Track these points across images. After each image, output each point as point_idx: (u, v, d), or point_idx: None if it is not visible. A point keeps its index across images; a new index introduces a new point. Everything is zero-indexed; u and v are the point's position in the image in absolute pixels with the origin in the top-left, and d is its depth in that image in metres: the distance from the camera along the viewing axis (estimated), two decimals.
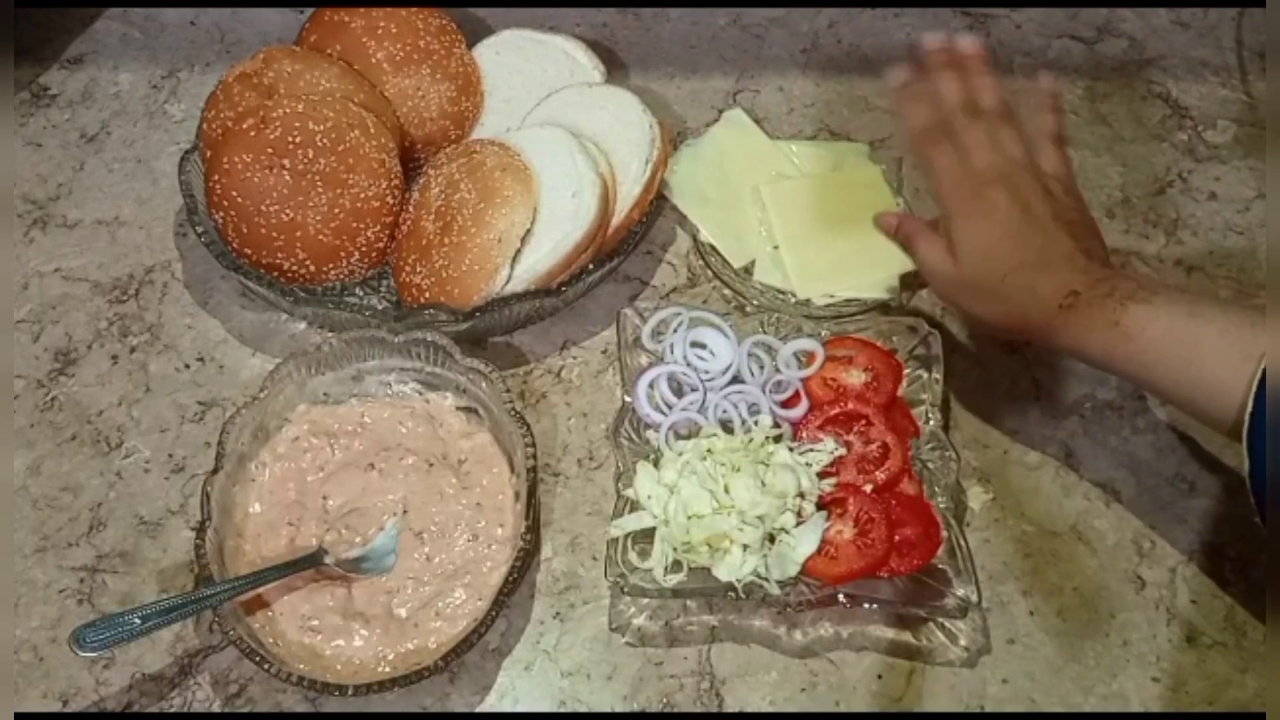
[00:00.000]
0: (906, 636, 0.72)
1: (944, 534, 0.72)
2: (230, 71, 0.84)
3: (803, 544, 0.70)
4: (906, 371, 0.78)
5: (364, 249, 0.81)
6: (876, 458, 0.74)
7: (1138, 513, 0.77)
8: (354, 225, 0.80)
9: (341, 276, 0.82)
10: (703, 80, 0.97)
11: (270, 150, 0.79)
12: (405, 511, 0.74)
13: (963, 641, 0.72)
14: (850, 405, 0.76)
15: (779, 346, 0.79)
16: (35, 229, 0.88)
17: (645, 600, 0.73)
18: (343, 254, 0.80)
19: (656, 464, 0.74)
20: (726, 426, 0.76)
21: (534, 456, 0.72)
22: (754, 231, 0.86)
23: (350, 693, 0.65)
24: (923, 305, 0.85)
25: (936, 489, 0.74)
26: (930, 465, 0.75)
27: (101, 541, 0.75)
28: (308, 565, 0.71)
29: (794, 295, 0.83)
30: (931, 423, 0.77)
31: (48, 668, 0.71)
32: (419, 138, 0.87)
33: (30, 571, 0.74)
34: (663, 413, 0.76)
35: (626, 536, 0.72)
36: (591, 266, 0.81)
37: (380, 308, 0.83)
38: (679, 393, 0.77)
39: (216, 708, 0.70)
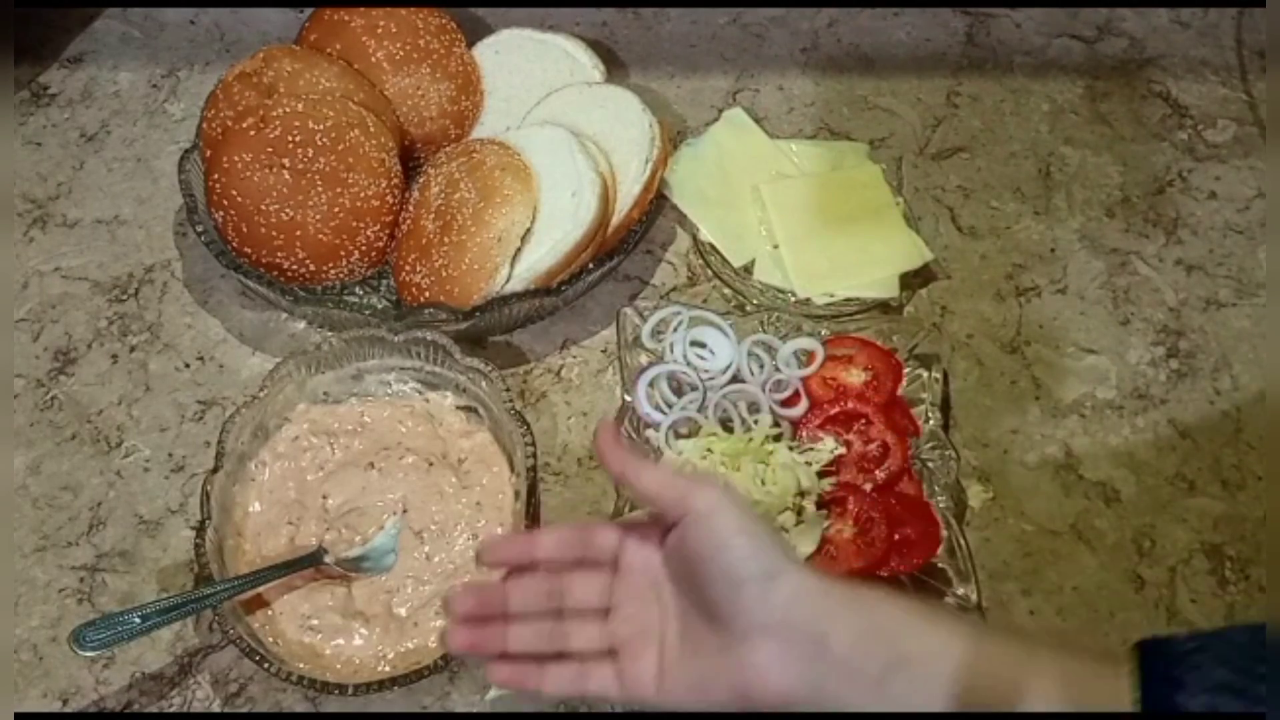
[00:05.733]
0: None
1: (944, 533, 0.72)
2: (230, 71, 0.84)
3: (803, 543, 0.70)
4: (906, 371, 0.78)
5: (364, 248, 0.81)
6: (876, 457, 0.74)
7: (1138, 513, 0.77)
8: (354, 224, 0.80)
9: (341, 276, 0.82)
10: (703, 80, 0.97)
11: (270, 149, 0.78)
12: (405, 511, 0.74)
13: None
14: (850, 404, 0.76)
15: (779, 345, 0.79)
16: (35, 228, 0.88)
17: None
18: (342, 253, 0.80)
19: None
20: (726, 425, 0.76)
21: (534, 456, 0.72)
22: (754, 231, 0.86)
23: (350, 692, 0.65)
24: (922, 305, 0.85)
25: (936, 488, 0.74)
26: (930, 465, 0.75)
27: (101, 541, 0.75)
28: (307, 564, 0.71)
29: (794, 294, 0.83)
30: (931, 422, 0.77)
31: (48, 667, 0.71)
32: (419, 137, 0.87)
33: (30, 571, 0.74)
34: (663, 412, 0.76)
35: None
36: (591, 266, 0.81)
37: (380, 307, 0.83)
38: (679, 392, 0.77)
39: (216, 707, 0.70)
